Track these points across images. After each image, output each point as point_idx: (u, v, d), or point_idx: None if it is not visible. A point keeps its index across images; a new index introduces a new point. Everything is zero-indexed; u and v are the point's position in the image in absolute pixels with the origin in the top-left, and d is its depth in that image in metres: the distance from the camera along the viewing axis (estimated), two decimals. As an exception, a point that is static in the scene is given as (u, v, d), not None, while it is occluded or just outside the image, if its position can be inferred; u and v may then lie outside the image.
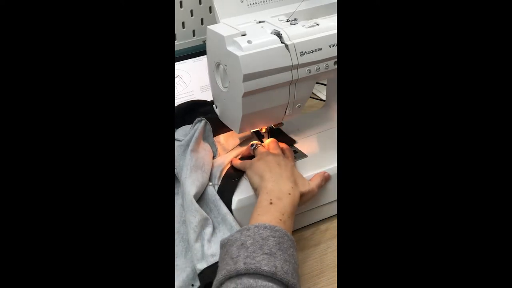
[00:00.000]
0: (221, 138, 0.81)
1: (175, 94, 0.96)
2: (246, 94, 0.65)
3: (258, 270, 0.53)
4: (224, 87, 0.70)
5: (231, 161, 0.77)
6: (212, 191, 0.72)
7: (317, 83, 0.93)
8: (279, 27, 0.67)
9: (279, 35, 0.65)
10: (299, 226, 0.76)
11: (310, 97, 0.94)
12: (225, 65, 0.67)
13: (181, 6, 1.05)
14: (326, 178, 0.74)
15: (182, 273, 0.67)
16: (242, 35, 0.65)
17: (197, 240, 0.67)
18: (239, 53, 0.63)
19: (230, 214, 0.69)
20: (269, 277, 0.53)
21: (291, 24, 0.69)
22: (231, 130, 0.77)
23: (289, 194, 0.65)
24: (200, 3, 1.07)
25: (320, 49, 0.66)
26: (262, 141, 0.79)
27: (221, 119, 0.76)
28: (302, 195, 0.68)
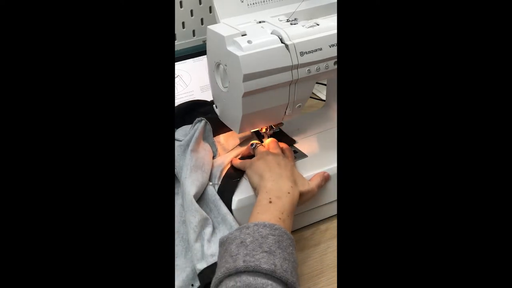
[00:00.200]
0: (221, 138, 0.81)
1: (175, 94, 0.96)
2: (246, 94, 0.65)
3: (258, 268, 0.53)
4: (224, 87, 0.70)
5: (231, 161, 0.77)
6: (212, 191, 0.72)
7: (317, 83, 0.93)
8: (279, 27, 0.67)
9: (279, 37, 0.65)
10: (299, 226, 0.76)
11: (310, 97, 0.94)
12: (225, 65, 0.67)
13: (181, 6, 1.05)
14: (326, 178, 0.74)
15: (182, 273, 0.67)
16: (242, 35, 0.65)
17: (197, 240, 0.67)
18: (239, 53, 0.63)
19: (230, 214, 0.69)
20: (268, 275, 0.53)
21: (291, 24, 0.69)
22: (231, 130, 0.77)
23: (289, 193, 0.65)
24: (200, 3, 1.07)
25: (320, 49, 0.66)
26: (262, 141, 0.79)
27: (221, 119, 0.76)
28: (301, 194, 0.68)
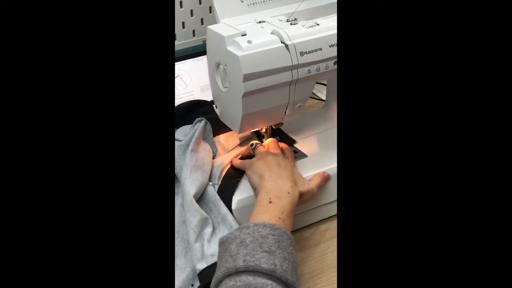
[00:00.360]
0: (221, 138, 0.81)
1: (175, 94, 0.96)
2: (246, 94, 0.65)
3: (258, 268, 0.53)
4: (224, 87, 0.70)
5: (231, 161, 0.77)
6: (212, 191, 0.72)
7: (317, 83, 0.93)
8: (279, 27, 0.67)
9: (279, 37, 0.65)
10: (299, 226, 0.76)
11: (310, 97, 0.94)
12: (225, 65, 0.67)
13: (181, 6, 1.05)
14: (326, 178, 0.74)
15: (182, 273, 0.67)
16: (242, 35, 0.65)
17: (197, 240, 0.67)
18: (239, 53, 0.63)
19: (230, 214, 0.69)
20: (268, 275, 0.53)
21: (291, 24, 0.69)
22: (231, 130, 0.77)
23: (288, 193, 0.65)
24: (200, 3, 1.07)
25: (320, 49, 0.66)
26: (262, 141, 0.79)
27: (221, 119, 0.76)
28: (301, 194, 0.68)
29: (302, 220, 0.76)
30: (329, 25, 0.68)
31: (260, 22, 0.70)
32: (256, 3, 0.74)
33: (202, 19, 1.08)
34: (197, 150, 0.74)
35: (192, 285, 0.66)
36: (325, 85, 1.00)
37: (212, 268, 0.63)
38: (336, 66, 0.69)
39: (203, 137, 0.78)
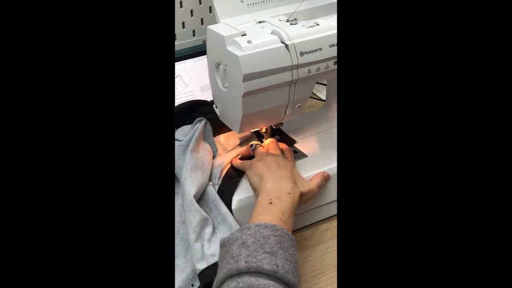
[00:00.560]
0: (221, 138, 0.81)
1: (175, 94, 0.96)
2: (246, 94, 0.65)
3: (260, 269, 0.53)
4: (224, 87, 0.70)
5: (231, 161, 0.77)
6: (212, 191, 0.72)
7: (317, 83, 0.93)
8: (279, 27, 0.67)
9: (279, 37, 0.65)
10: (299, 226, 0.76)
11: (310, 97, 0.94)
12: (225, 65, 0.67)
13: (181, 6, 1.05)
14: (326, 178, 0.74)
15: (182, 273, 0.67)
16: (242, 35, 0.65)
17: (197, 240, 0.67)
18: (239, 53, 0.63)
19: (230, 214, 0.69)
20: (270, 275, 0.53)
21: (291, 24, 0.69)
22: (231, 130, 0.77)
23: (289, 193, 0.65)
24: (200, 3, 1.07)
25: (320, 49, 0.66)
26: (262, 141, 0.79)
27: (221, 119, 0.76)
28: (302, 195, 0.68)
29: (302, 220, 0.76)
30: (329, 25, 0.68)
31: (260, 22, 0.70)
32: (256, 3, 0.74)
33: (202, 19, 1.08)
34: (197, 150, 0.74)
35: (192, 285, 0.66)
36: (325, 85, 1.00)
37: (212, 268, 0.63)
38: (336, 66, 0.68)
39: (203, 137, 0.78)
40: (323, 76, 0.72)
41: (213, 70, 0.71)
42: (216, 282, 0.56)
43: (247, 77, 0.63)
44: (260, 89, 0.65)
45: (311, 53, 0.66)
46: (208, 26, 0.69)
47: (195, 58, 1.00)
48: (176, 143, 0.76)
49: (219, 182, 0.73)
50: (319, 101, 1.07)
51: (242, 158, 0.78)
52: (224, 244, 0.59)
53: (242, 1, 0.73)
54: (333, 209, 0.78)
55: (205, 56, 0.73)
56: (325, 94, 0.99)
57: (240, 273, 0.54)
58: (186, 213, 0.69)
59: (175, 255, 0.69)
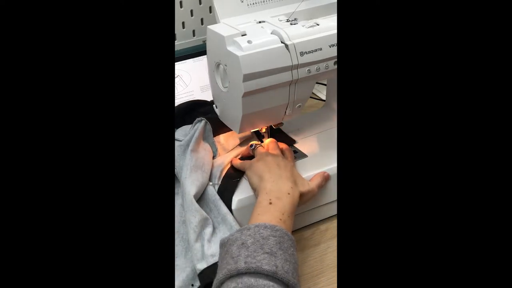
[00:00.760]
0: (221, 138, 0.81)
1: (175, 94, 0.96)
2: (246, 94, 0.65)
3: (259, 270, 0.53)
4: (224, 87, 0.70)
5: (231, 161, 0.77)
6: (212, 191, 0.72)
7: (317, 83, 0.93)
8: (279, 27, 0.67)
9: (279, 37, 0.65)
10: (299, 226, 0.76)
11: (310, 97, 0.94)
12: (225, 65, 0.67)
13: (181, 6, 1.05)
14: (326, 178, 0.74)
15: (182, 273, 0.67)
16: (242, 35, 0.65)
17: (197, 240, 0.67)
18: (239, 53, 0.63)
19: (230, 214, 0.69)
20: (270, 276, 0.53)
21: (291, 24, 0.69)
22: (231, 130, 0.77)
23: (289, 194, 0.65)
24: (200, 3, 1.07)
25: (320, 49, 0.66)
26: (262, 141, 0.79)
27: (221, 119, 0.76)
28: (302, 195, 0.68)
29: (302, 220, 0.76)
30: (329, 25, 0.68)
31: (260, 22, 0.70)
32: (256, 3, 0.74)
33: (202, 19, 1.08)
34: (197, 150, 0.74)
35: (192, 285, 0.66)
36: (325, 85, 1.00)
37: (212, 268, 0.63)
38: (336, 66, 0.68)
39: (203, 137, 0.78)
40: (323, 76, 0.72)
41: (213, 70, 0.71)
42: (215, 282, 0.56)
43: (247, 77, 0.63)
44: (260, 89, 0.65)
45: (311, 53, 0.66)
46: (208, 26, 0.69)
47: (195, 58, 1.00)
48: (176, 143, 0.76)
49: (219, 182, 0.73)
50: (319, 101, 1.07)
51: (242, 158, 0.78)
52: (223, 245, 0.59)
53: (242, 1, 0.73)
54: (333, 209, 0.78)
55: (205, 56, 0.73)
56: (325, 94, 0.99)
57: (239, 274, 0.54)
58: (186, 213, 0.69)
59: (175, 255, 0.69)
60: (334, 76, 0.69)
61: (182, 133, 0.80)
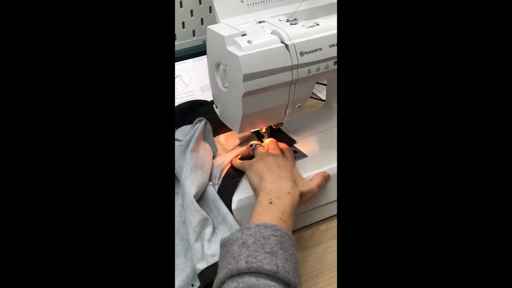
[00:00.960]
0: (221, 138, 0.81)
1: (175, 94, 0.96)
2: (246, 94, 0.65)
3: (260, 269, 0.53)
4: (224, 87, 0.70)
5: (231, 161, 0.77)
6: (212, 191, 0.72)
7: (317, 83, 0.93)
8: (279, 27, 0.67)
9: (279, 37, 0.65)
10: (299, 226, 0.76)
11: (310, 97, 0.94)
12: (225, 65, 0.67)
13: (181, 6, 1.05)
14: (326, 178, 0.74)
15: (182, 273, 0.67)
16: (242, 35, 0.65)
17: (197, 240, 0.67)
18: (239, 53, 0.63)
19: (230, 214, 0.69)
20: (271, 275, 0.53)
21: (291, 24, 0.69)
22: (231, 130, 0.77)
23: (289, 193, 0.65)
24: (200, 3, 1.07)
25: (320, 49, 0.66)
26: (262, 141, 0.79)
27: (221, 119, 0.76)
28: (302, 194, 0.68)
29: (302, 220, 0.76)
30: (329, 25, 0.68)
31: (260, 22, 0.70)
32: (256, 3, 0.74)
33: (202, 19, 1.08)
34: (197, 150, 0.74)
35: (192, 285, 0.66)
36: (325, 85, 1.00)
37: (212, 268, 0.63)
38: (336, 66, 0.69)
39: (203, 137, 0.78)
40: (323, 76, 0.72)
41: (213, 70, 0.71)
42: (216, 282, 0.56)
43: (247, 77, 0.63)
44: (260, 89, 0.65)
45: (311, 53, 0.66)
46: (208, 26, 0.69)
47: (195, 58, 1.00)
48: (176, 143, 0.76)
49: (219, 182, 0.73)
50: (319, 101, 1.07)
51: (242, 158, 0.78)
52: (224, 244, 0.59)
53: (242, 1, 0.73)
54: (333, 209, 0.78)
55: (205, 56, 0.73)
56: (325, 94, 0.99)
57: (240, 273, 0.54)
58: (186, 213, 0.69)
59: (175, 255, 0.69)
60: (334, 76, 0.69)
61: (182, 133, 0.80)
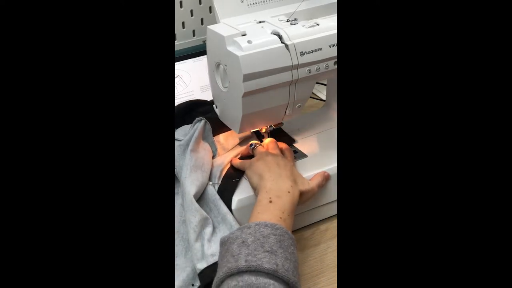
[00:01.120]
0: (221, 137, 0.81)
1: (175, 94, 0.96)
2: (246, 94, 0.65)
3: (260, 268, 0.53)
4: (224, 87, 0.70)
5: (231, 161, 0.77)
6: (212, 191, 0.72)
7: (317, 83, 0.93)
8: (279, 27, 0.67)
9: (278, 35, 0.65)
10: (299, 226, 0.76)
11: (310, 97, 0.94)
12: (225, 65, 0.67)
13: (181, 6, 1.05)
14: (326, 178, 0.74)
15: (182, 273, 0.67)
16: (242, 35, 0.65)
17: (197, 239, 0.67)
18: (239, 53, 0.63)
19: (230, 214, 0.69)
20: (270, 274, 0.53)
21: (291, 24, 0.69)
22: (231, 129, 0.77)
23: (289, 192, 0.65)
24: (200, 3, 1.07)
25: (320, 49, 0.66)
26: (261, 141, 0.79)
27: (221, 119, 0.76)
28: (302, 194, 0.68)
29: (302, 220, 0.76)
30: (329, 25, 0.68)
31: (260, 22, 0.70)
32: (256, 3, 0.74)
33: (202, 19, 1.08)
34: (197, 150, 0.74)
35: (193, 284, 0.66)
36: (325, 85, 1.00)
37: (212, 267, 0.63)
38: (336, 66, 0.69)
39: (203, 136, 0.78)
40: (323, 76, 0.72)
41: (213, 70, 0.71)
42: (216, 281, 0.56)
43: (247, 77, 0.63)
44: (260, 89, 0.65)
45: (311, 53, 0.66)
46: (208, 26, 0.69)
47: (195, 58, 1.00)
48: (176, 143, 0.76)
49: (219, 182, 0.73)
50: (319, 101, 1.07)
51: (242, 158, 0.78)
52: (224, 243, 0.59)
53: (242, 1, 0.73)
54: (333, 209, 0.78)
55: (205, 56, 0.73)
56: (325, 94, 0.99)
57: (240, 272, 0.54)
58: (186, 213, 0.69)
59: (175, 255, 0.69)
60: (334, 76, 0.69)
61: (182, 133, 0.80)
